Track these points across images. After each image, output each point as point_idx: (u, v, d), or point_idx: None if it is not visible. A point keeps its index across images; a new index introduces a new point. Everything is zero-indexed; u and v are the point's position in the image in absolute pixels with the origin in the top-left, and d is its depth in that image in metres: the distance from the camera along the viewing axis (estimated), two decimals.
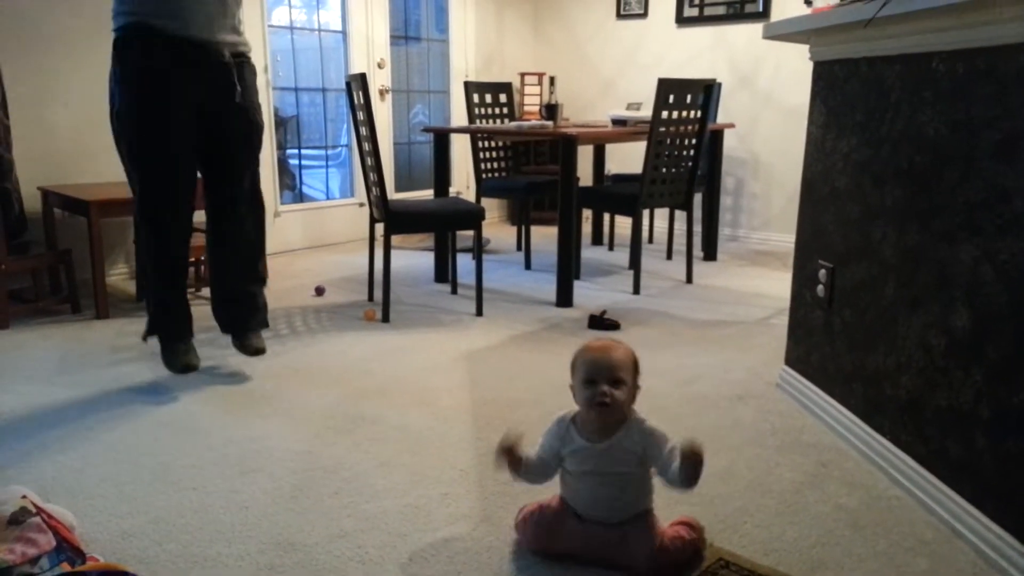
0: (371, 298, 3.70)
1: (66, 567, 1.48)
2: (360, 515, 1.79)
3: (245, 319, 2.68)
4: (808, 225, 2.47)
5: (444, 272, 4.07)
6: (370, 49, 5.18)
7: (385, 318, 3.36)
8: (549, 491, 1.68)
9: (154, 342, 2.63)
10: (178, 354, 2.54)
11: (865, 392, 2.12)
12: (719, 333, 3.24)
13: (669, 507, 1.77)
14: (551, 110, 4.34)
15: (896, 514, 1.81)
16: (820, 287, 2.35)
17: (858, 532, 1.73)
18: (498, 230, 5.74)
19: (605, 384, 1.53)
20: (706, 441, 2.18)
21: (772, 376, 2.69)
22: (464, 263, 4.27)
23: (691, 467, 1.49)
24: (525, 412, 2.38)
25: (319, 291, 3.80)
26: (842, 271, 2.24)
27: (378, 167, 3.30)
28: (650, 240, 5.28)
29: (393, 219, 3.27)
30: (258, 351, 2.66)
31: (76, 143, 3.84)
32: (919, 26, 1.84)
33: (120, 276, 4.03)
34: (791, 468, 2.04)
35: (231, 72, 2.43)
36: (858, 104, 2.15)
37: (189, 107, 2.40)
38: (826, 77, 2.33)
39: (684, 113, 3.74)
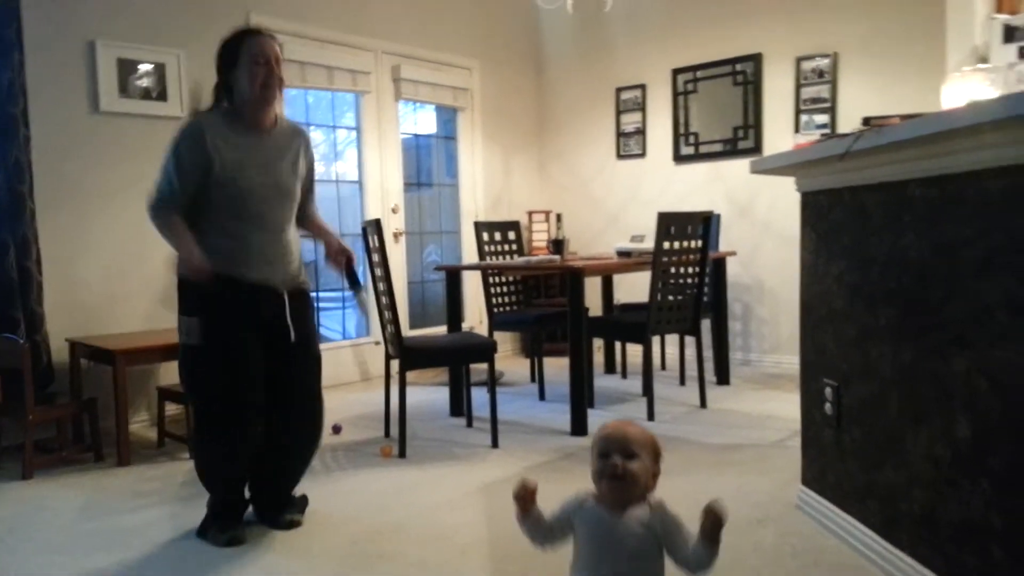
0: (387, 434, 3.75)
1: None
2: None
3: (282, 511, 2.66)
4: (810, 345, 2.55)
5: (459, 406, 4.12)
6: (384, 196, 5.46)
7: (402, 453, 3.39)
8: None
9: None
10: (227, 531, 2.52)
11: (881, 508, 2.12)
12: (736, 457, 3.24)
13: None
14: (558, 245, 4.52)
15: None
16: (828, 405, 2.39)
17: None
18: (511, 363, 5.82)
19: (619, 456, 1.51)
20: (727, 563, 2.18)
21: (790, 497, 2.68)
22: (479, 396, 4.32)
23: (712, 527, 1.45)
24: None
25: (336, 430, 3.85)
26: (847, 389, 2.30)
27: (393, 306, 3.43)
28: (663, 367, 5.34)
29: (408, 355, 3.37)
30: (292, 524, 2.62)
31: (104, 295, 4.01)
32: (893, 157, 1.98)
33: (142, 424, 4.10)
34: None
35: (285, 312, 2.56)
36: (845, 230, 2.28)
37: (254, 338, 2.52)
38: (813, 206, 2.47)
39: (685, 243, 3.90)
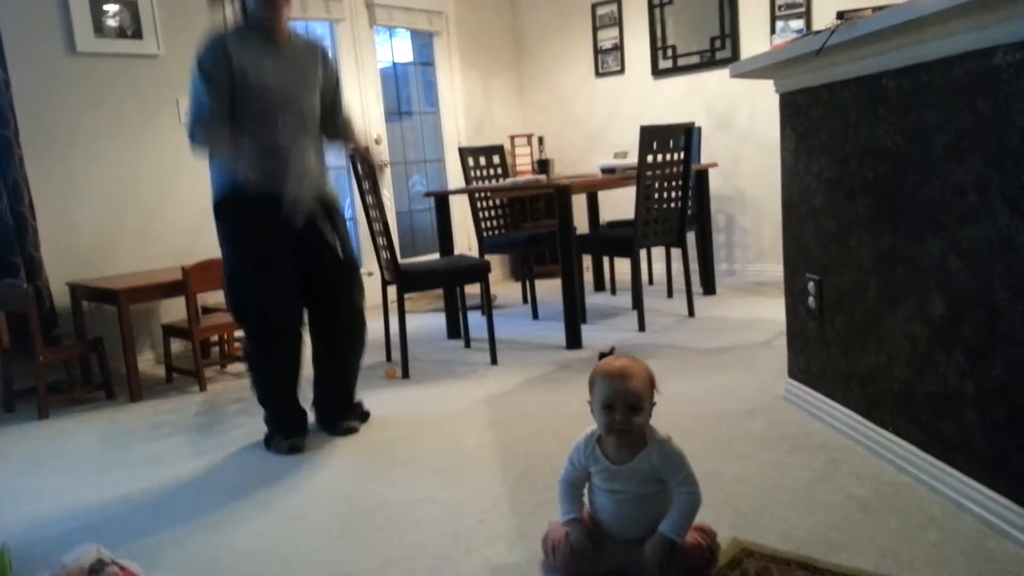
0: (389, 358, 3.86)
1: None
2: (405, 545, 1.92)
3: (342, 418, 2.85)
4: (792, 243, 2.65)
5: (456, 328, 4.24)
6: (366, 127, 5.46)
7: (405, 374, 3.51)
8: None
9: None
10: (290, 438, 2.69)
11: (864, 390, 2.26)
12: (725, 358, 3.38)
13: None
14: (543, 165, 4.57)
15: (903, 496, 1.94)
16: (810, 299, 2.51)
17: (869, 515, 1.86)
18: (502, 287, 5.93)
19: (622, 411, 1.60)
20: (719, 451, 2.33)
21: (778, 390, 2.82)
22: (474, 319, 4.43)
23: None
24: (547, 443, 2.52)
25: None
26: (828, 281, 2.41)
27: (387, 232, 3.49)
28: (650, 282, 5.46)
29: (404, 279, 3.46)
30: (349, 430, 2.82)
31: (99, 238, 4.05)
32: (866, 51, 2.05)
33: (146, 362, 4.20)
34: (803, 467, 2.17)
35: (317, 224, 2.69)
36: (823, 127, 2.35)
37: (290, 251, 2.65)
38: (791, 106, 2.54)
39: (668, 156, 3.97)
